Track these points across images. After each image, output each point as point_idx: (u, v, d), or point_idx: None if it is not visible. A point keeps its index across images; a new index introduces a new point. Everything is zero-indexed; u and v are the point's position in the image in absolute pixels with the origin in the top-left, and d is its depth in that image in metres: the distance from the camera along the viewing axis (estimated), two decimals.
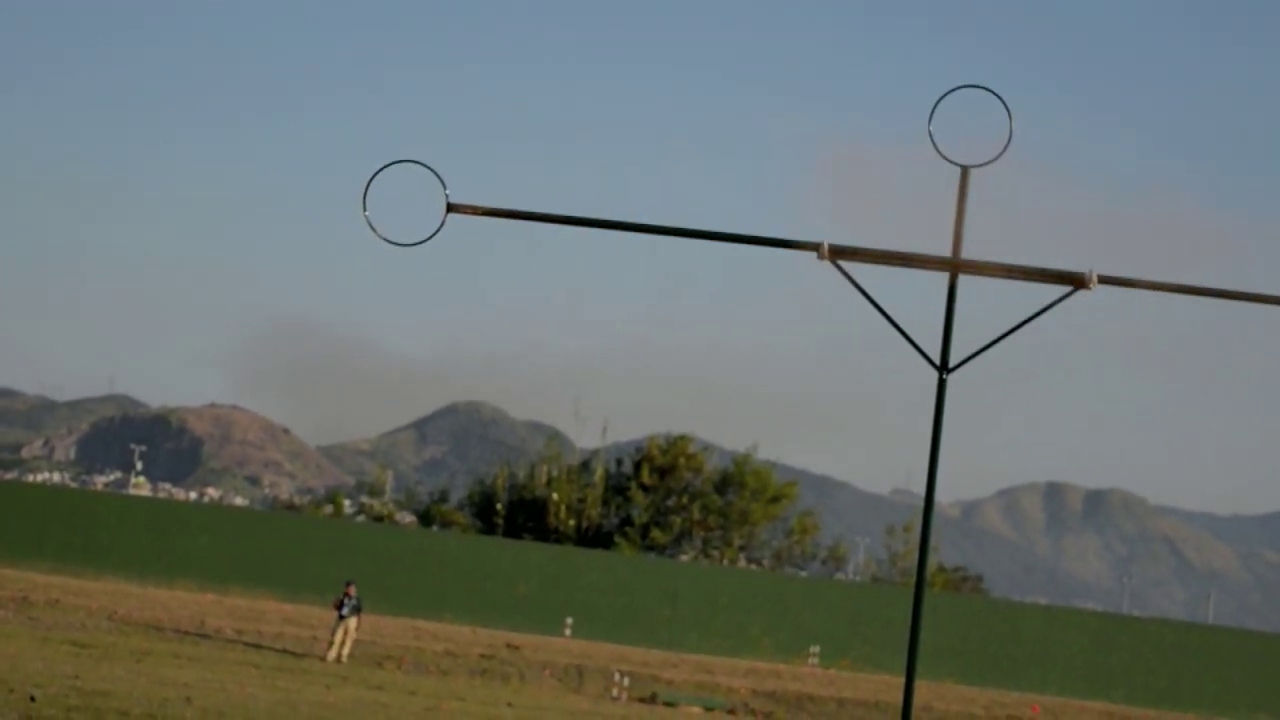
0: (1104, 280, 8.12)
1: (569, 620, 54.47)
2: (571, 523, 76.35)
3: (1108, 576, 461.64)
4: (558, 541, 73.22)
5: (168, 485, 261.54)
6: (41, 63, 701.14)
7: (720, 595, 56.38)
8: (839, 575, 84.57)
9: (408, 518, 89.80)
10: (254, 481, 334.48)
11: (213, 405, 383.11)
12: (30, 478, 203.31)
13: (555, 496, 76.77)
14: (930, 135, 8.25)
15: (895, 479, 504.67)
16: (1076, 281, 8.06)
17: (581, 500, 77.04)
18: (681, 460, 77.96)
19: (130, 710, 20.42)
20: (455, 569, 56.32)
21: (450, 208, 8.31)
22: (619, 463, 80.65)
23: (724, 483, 78.64)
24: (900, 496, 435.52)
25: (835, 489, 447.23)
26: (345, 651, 36.71)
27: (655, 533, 76.00)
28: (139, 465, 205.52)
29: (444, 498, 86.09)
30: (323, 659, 36.27)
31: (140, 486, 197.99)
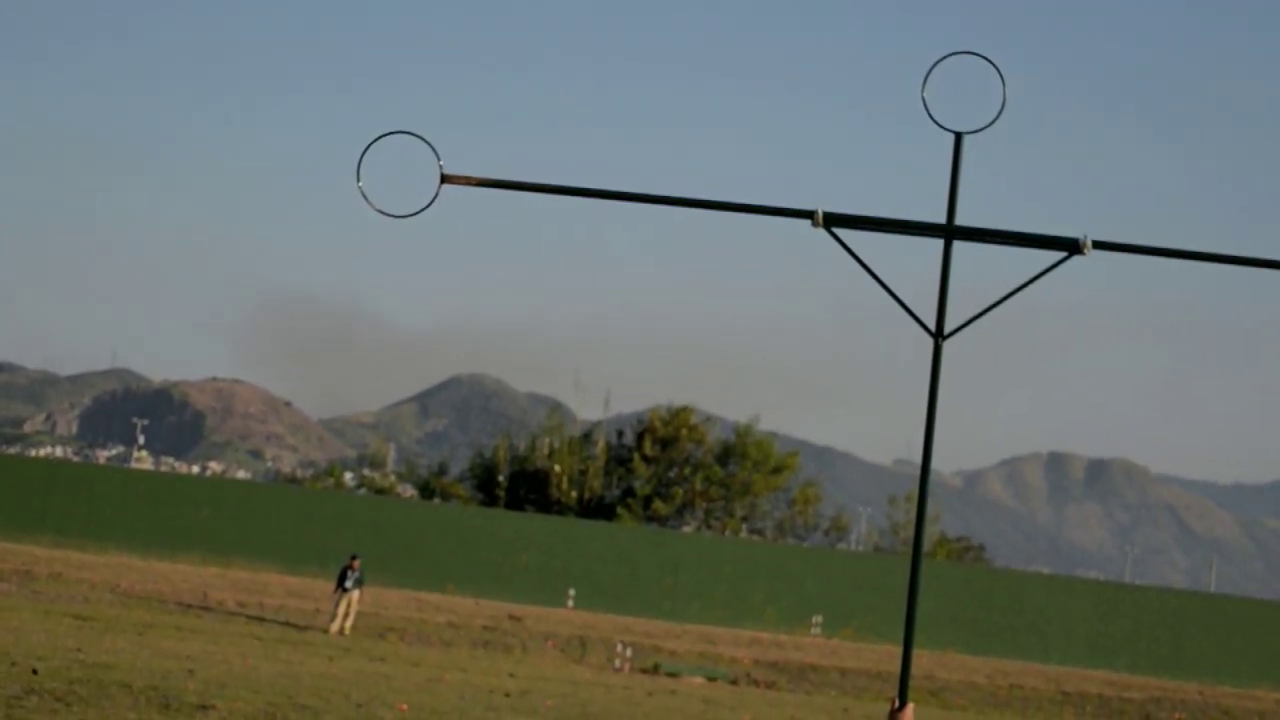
0: (1098, 245, 8.05)
1: (571, 591, 54.55)
2: (573, 494, 76.38)
3: (1110, 545, 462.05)
4: (559, 513, 73.26)
5: (170, 459, 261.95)
6: (45, 40, 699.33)
7: (722, 566, 56.45)
8: (841, 545, 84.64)
9: (409, 490, 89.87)
10: (256, 455, 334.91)
11: (214, 379, 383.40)
12: (33, 452, 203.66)
13: (557, 468, 76.79)
14: (924, 102, 8.19)
15: (897, 449, 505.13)
16: (1070, 247, 8.01)
17: (583, 472, 77.06)
18: (683, 431, 77.96)
19: (133, 682, 20.45)
20: (457, 541, 56.37)
21: (444, 178, 8.24)
22: (620, 434, 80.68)
23: (726, 454, 78.65)
24: (902, 467, 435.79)
25: (837, 459, 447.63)
26: (348, 624, 36.79)
27: (657, 504, 76.03)
28: (141, 439, 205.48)
29: (444, 469, 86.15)
30: (325, 631, 36.34)
31: (142, 460, 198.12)
